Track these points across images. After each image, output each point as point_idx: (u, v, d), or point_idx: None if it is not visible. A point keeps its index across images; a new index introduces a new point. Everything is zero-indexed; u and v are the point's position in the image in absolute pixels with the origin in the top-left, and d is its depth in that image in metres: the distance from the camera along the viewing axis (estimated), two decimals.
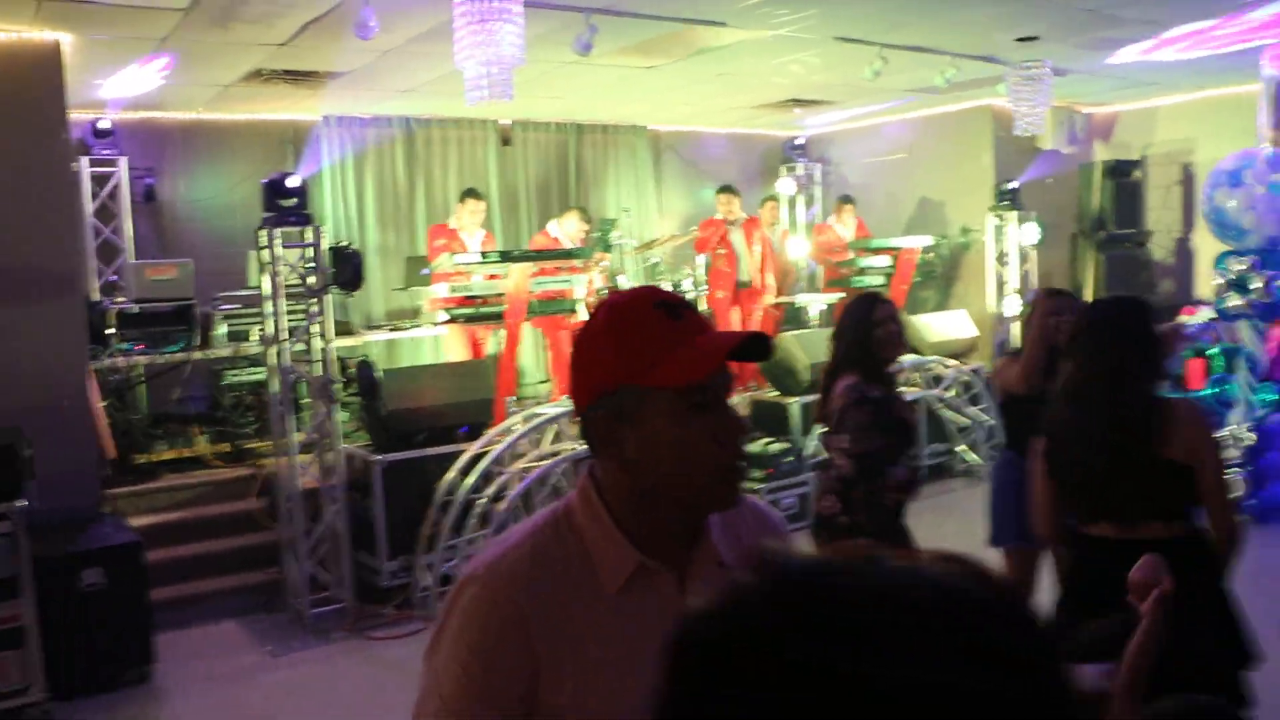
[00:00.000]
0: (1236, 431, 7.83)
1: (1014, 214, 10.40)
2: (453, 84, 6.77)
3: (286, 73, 7.85)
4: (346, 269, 6.33)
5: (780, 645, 0.64)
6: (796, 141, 12.45)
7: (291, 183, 6.35)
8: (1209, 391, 8.36)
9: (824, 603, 0.65)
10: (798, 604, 0.66)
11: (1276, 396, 7.96)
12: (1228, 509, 3.13)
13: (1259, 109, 8.41)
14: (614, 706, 1.40)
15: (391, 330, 9.37)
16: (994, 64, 8.48)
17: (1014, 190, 10.39)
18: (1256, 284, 7.82)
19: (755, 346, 1.46)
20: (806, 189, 12.50)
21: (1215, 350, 8.73)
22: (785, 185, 12.00)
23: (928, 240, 10.76)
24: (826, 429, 4.10)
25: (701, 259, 9.77)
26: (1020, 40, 7.89)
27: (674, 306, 1.47)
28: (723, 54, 7.90)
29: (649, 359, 1.41)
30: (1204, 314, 9.25)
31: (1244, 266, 7.87)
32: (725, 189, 9.93)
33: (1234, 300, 7.90)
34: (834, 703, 0.61)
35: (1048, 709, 0.64)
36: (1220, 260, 7.99)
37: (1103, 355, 3.17)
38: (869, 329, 3.98)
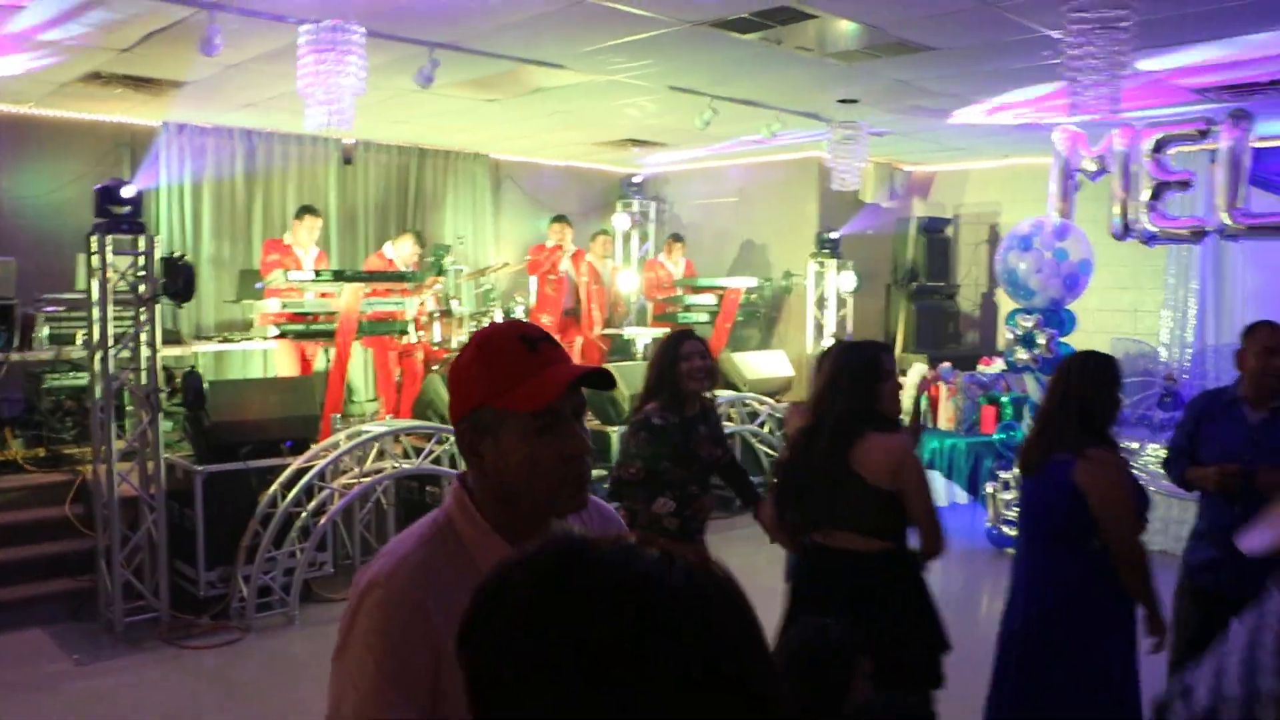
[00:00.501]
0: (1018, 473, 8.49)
1: (833, 262, 11.00)
2: (296, 101, 6.86)
3: (127, 77, 7.83)
4: (178, 280, 6.37)
5: (523, 602, 0.90)
6: (634, 179, 12.88)
7: (126, 192, 6.37)
8: (998, 436, 9.05)
9: (564, 573, 0.91)
10: (548, 571, 0.92)
11: None
12: (931, 529, 3.62)
13: (1050, 180, 9.16)
14: None
15: (221, 342, 9.35)
16: (817, 120, 9.03)
17: (835, 239, 11.00)
18: (1041, 340, 8.52)
19: (599, 379, 1.71)
20: (641, 225, 12.94)
21: (1006, 399, 9.47)
22: (620, 221, 12.41)
23: (752, 282, 11.30)
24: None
25: (533, 282, 10.06)
26: (841, 102, 8.45)
27: (534, 340, 1.71)
28: (561, 93, 8.22)
29: (505, 384, 1.65)
30: (998, 365, 10.01)
31: (1030, 324, 8.55)
32: (559, 218, 10.24)
33: (1021, 354, 8.57)
34: (554, 658, 0.87)
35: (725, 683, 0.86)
36: (1010, 317, 8.66)
37: (830, 395, 3.71)
38: (675, 362, 4.33)
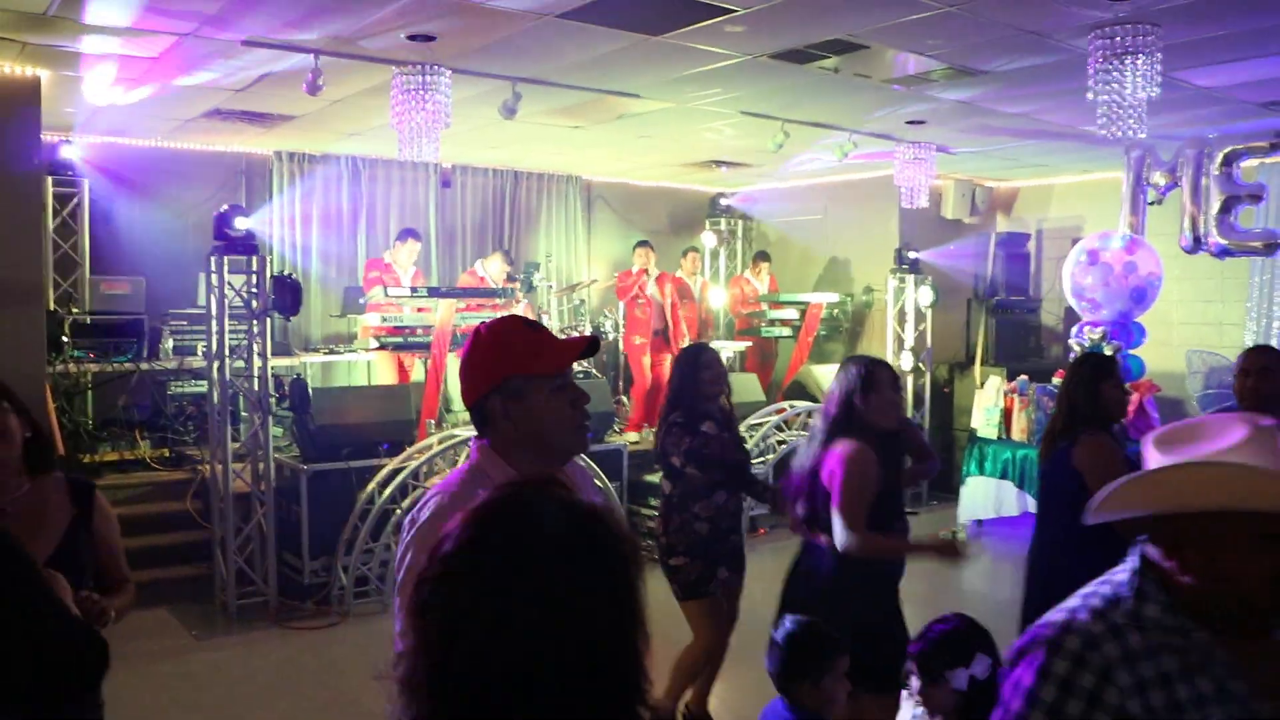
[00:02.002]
0: None
1: (912, 277, 11.30)
2: (395, 131, 7.53)
3: (244, 113, 8.58)
4: (286, 296, 7.02)
5: (474, 543, 1.33)
6: (721, 198, 13.32)
7: (240, 222, 7.06)
8: None
9: (501, 517, 1.31)
10: (496, 514, 1.32)
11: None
12: (841, 524, 3.93)
13: (1122, 196, 9.37)
14: None
15: (327, 354, 10.05)
16: (889, 140, 9.39)
17: (914, 256, 11.30)
18: (1108, 351, 8.73)
19: (592, 346, 2.34)
20: (729, 243, 13.38)
21: None
22: (708, 239, 12.87)
23: (834, 297, 11.67)
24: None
25: (621, 307, 10.57)
26: (910, 123, 8.80)
27: (534, 324, 2.34)
28: (643, 119, 8.73)
29: (529, 356, 2.23)
30: None
31: (1098, 336, 8.78)
32: (642, 243, 10.74)
33: None
34: (486, 589, 1.22)
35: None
36: (1077, 331, 8.90)
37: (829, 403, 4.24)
38: (696, 372, 4.84)
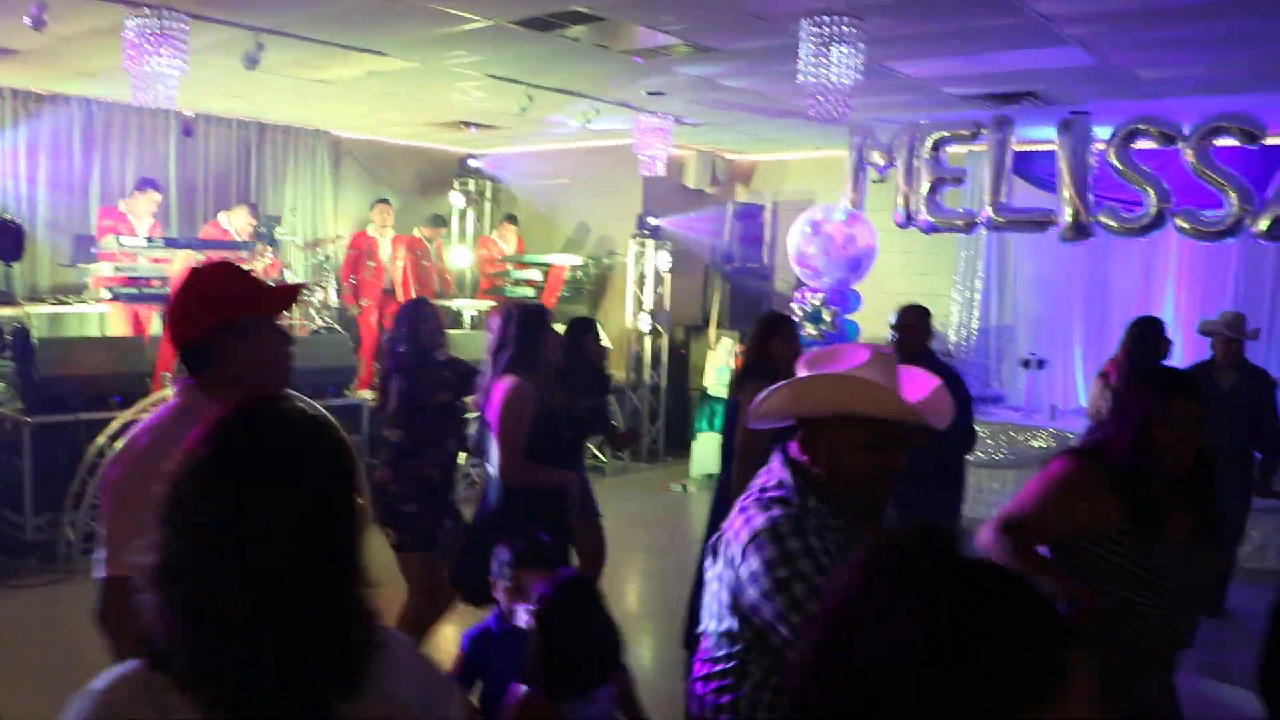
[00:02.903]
0: None
1: (652, 242, 11.77)
2: (155, 84, 7.28)
3: None
4: (7, 239, 6.77)
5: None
6: (470, 159, 13.44)
7: None
8: None
9: (237, 430, 1.51)
10: (233, 429, 1.52)
11: None
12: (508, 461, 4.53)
13: (845, 173, 10.09)
14: None
15: (55, 304, 9.64)
16: (630, 110, 9.76)
17: (654, 222, 11.77)
18: (826, 317, 9.43)
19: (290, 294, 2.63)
20: (477, 204, 13.52)
21: None
22: (456, 199, 12.98)
23: (576, 259, 12.04)
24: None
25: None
26: (650, 94, 9.18)
27: (245, 271, 2.56)
28: (390, 77, 8.77)
29: (256, 296, 2.44)
30: None
31: (818, 302, 9.46)
32: (381, 201, 10.79)
33: (810, 329, 9.47)
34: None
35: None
36: (798, 294, 9.55)
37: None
38: (415, 325, 5.13)
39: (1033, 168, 10.03)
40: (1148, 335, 6.35)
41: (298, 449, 1.44)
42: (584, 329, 6.17)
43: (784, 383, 2.27)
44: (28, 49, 8.13)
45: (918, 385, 2.30)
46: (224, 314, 2.37)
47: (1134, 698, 2.96)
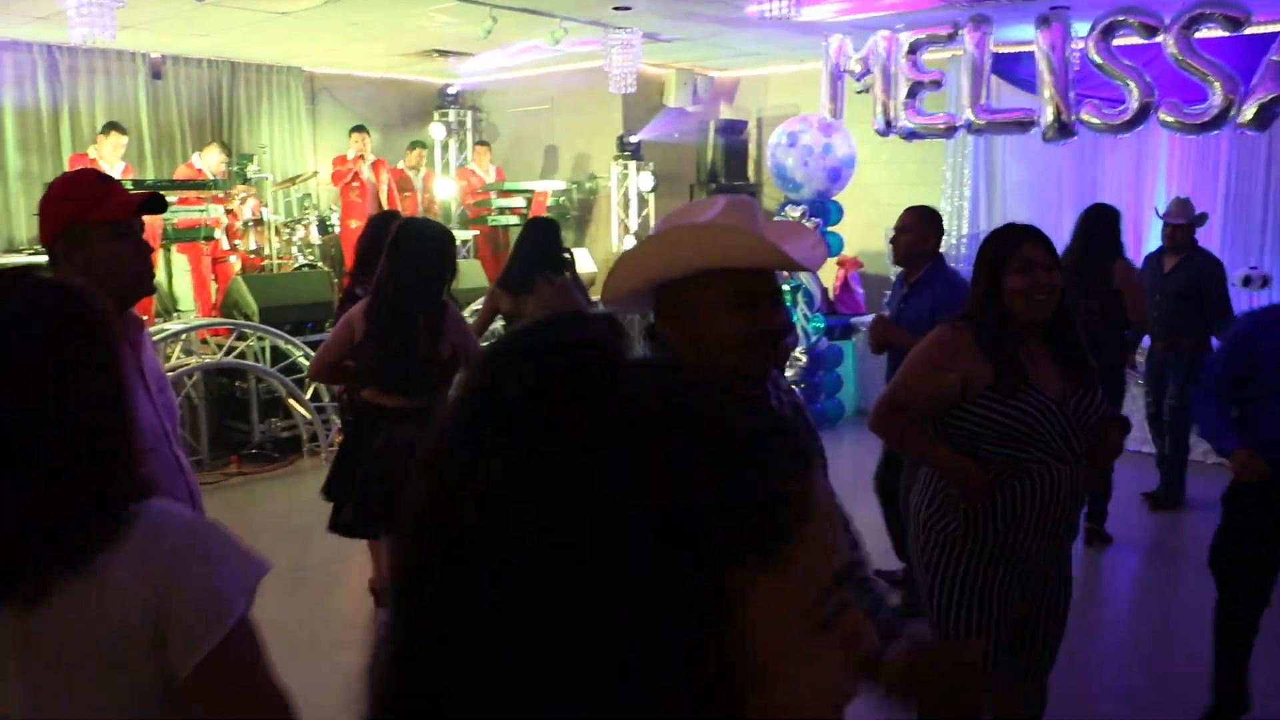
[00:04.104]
0: (794, 355, 9.34)
1: (635, 164, 11.62)
2: (93, 16, 7.14)
3: None
4: None
5: None
6: (449, 89, 13.24)
7: None
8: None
9: None
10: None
11: (823, 325, 9.51)
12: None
13: (821, 82, 9.89)
14: None
15: (31, 254, 9.56)
16: (599, 27, 9.55)
17: (636, 143, 11.61)
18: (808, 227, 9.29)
19: (155, 203, 2.48)
20: (458, 134, 13.35)
21: (784, 286, 10.27)
22: (436, 130, 12.81)
23: (559, 185, 11.90)
24: None
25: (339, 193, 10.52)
26: (616, 9, 8.98)
27: (106, 177, 2.53)
28: (351, 4, 8.59)
29: (91, 203, 2.36)
30: None
31: (798, 214, 9.33)
32: (357, 128, 10.65)
33: None
34: None
35: None
36: (780, 209, 9.41)
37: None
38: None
39: (1018, 69, 9.82)
40: (1100, 221, 6.20)
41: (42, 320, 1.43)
42: None
43: (631, 248, 2.03)
44: None
45: (789, 232, 2.00)
46: (58, 220, 2.38)
47: (1032, 580, 2.99)
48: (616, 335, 0.68)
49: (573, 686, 0.60)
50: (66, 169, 9.62)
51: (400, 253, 4.12)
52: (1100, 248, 5.97)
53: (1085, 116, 8.54)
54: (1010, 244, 2.95)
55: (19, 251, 9.61)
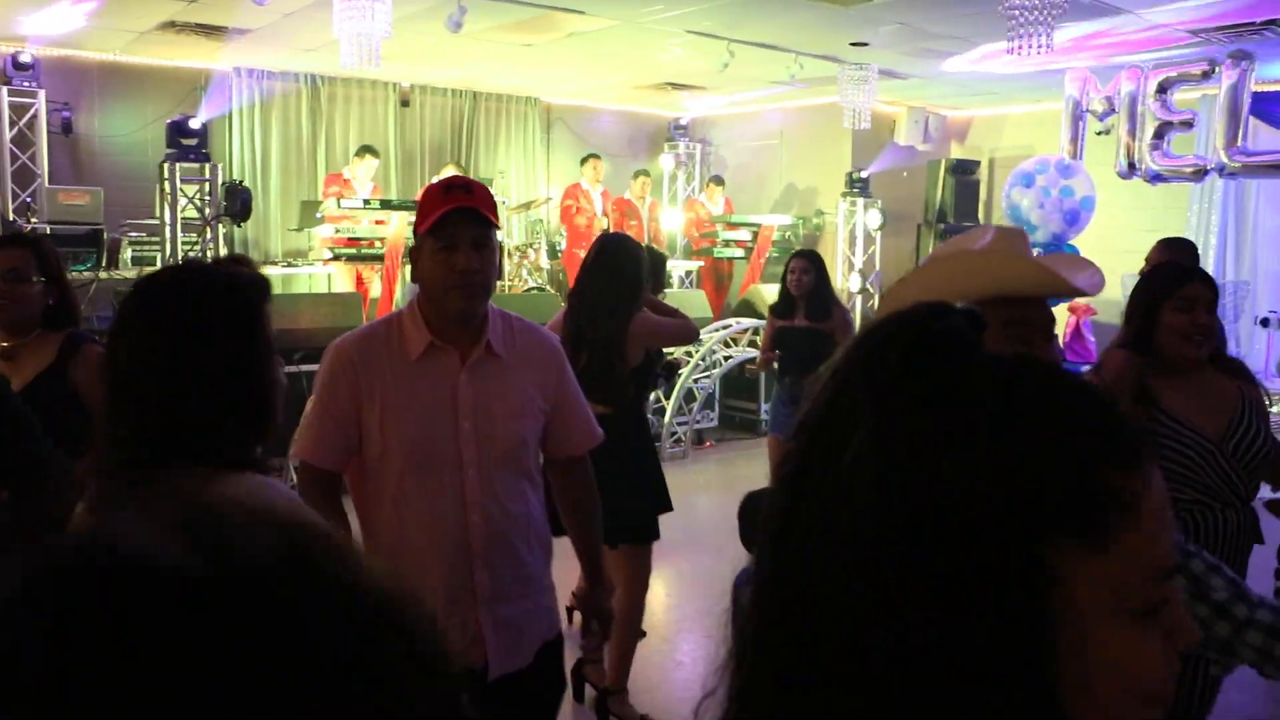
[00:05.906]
0: None
1: (862, 201, 11.54)
2: (361, 46, 7.64)
3: (198, 26, 8.68)
4: (236, 202, 7.23)
5: None
6: (680, 122, 13.48)
7: (193, 124, 7.24)
8: None
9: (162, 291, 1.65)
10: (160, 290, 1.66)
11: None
12: None
13: (1061, 123, 9.61)
14: (404, 430, 2.39)
15: (286, 266, 10.22)
16: (835, 63, 9.56)
17: (864, 179, 11.53)
18: None
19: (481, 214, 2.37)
20: (686, 167, 13.56)
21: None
22: (666, 161, 13.06)
23: (785, 219, 11.91)
24: None
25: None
26: (853, 45, 8.97)
27: (451, 186, 2.37)
28: (593, 37, 8.88)
29: (421, 217, 2.39)
30: None
31: None
32: (589, 157, 10.95)
33: None
34: None
35: None
36: None
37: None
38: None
39: (1278, 109, 9.33)
40: None
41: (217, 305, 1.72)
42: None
43: (906, 276, 2.04)
44: (256, 27, 8.65)
45: (1065, 262, 1.97)
46: (416, 233, 2.46)
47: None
48: (976, 326, 0.77)
49: (908, 624, 0.68)
50: (321, 188, 10.27)
51: (595, 265, 4.14)
52: None
53: None
54: (1175, 282, 2.91)
55: (274, 264, 10.26)
